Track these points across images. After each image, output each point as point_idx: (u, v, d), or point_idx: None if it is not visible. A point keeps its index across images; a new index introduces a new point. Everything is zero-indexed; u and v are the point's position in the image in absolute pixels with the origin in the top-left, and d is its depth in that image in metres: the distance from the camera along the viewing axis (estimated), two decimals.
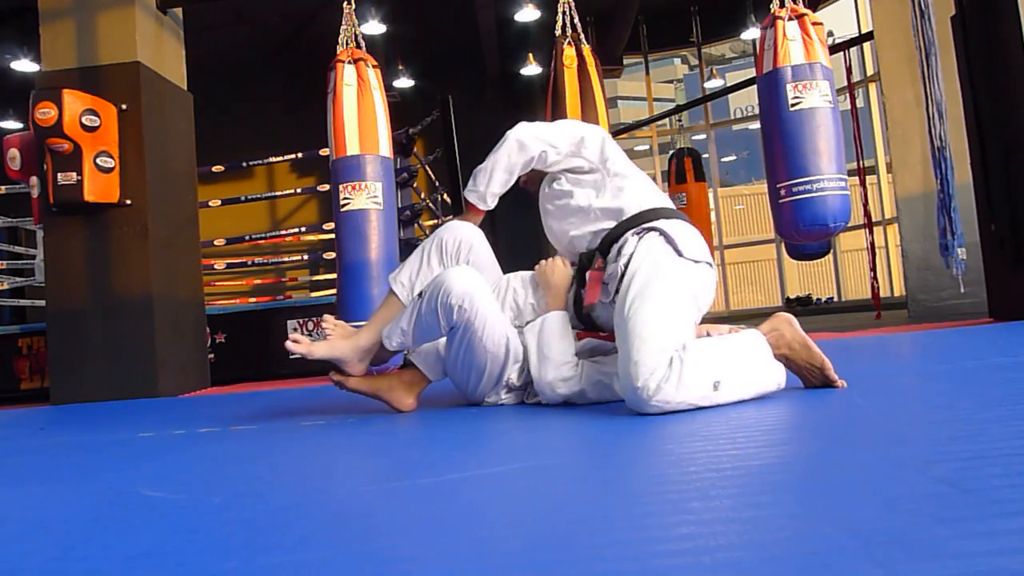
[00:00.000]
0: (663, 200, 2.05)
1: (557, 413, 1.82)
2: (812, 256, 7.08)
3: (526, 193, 2.35)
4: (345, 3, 4.31)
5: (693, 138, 11.78)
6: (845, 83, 6.46)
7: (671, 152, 8.86)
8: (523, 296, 2.11)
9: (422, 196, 7.16)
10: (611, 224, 1.95)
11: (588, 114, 4.17)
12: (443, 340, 2.06)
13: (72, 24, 4.23)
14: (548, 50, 4.58)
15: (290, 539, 0.90)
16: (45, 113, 3.81)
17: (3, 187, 6.49)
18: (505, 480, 1.15)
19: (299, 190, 8.16)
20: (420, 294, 2.00)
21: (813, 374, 1.83)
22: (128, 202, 4.05)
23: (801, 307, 10.32)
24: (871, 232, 6.28)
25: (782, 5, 3.91)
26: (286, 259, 8.16)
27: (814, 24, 3.87)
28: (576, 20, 4.28)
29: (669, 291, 1.72)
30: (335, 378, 2.11)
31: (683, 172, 8.26)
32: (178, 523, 1.03)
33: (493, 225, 8.86)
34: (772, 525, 0.79)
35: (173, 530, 0.99)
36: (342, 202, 4.14)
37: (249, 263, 7.86)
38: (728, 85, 10.49)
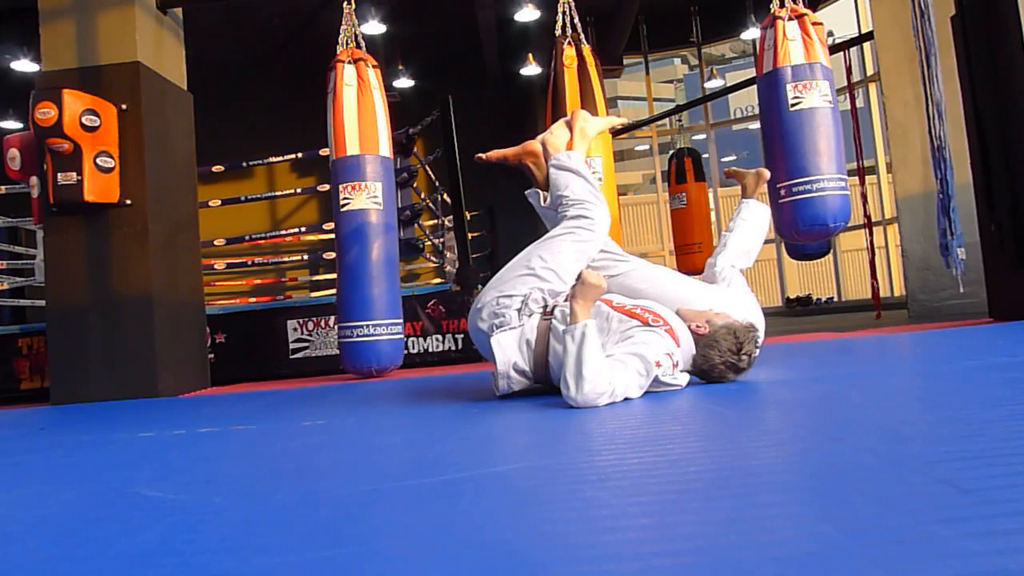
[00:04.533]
0: None
1: (555, 413, 1.82)
2: (812, 256, 7.08)
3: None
4: (345, 3, 4.31)
5: (693, 138, 11.77)
6: (845, 83, 6.46)
7: (671, 152, 8.85)
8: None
9: (422, 196, 7.16)
10: None
11: None
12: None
13: (72, 24, 4.23)
14: (548, 50, 4.58)
15: (290, 539, 0.90)
16: (45, 113, 3.81)
17: (3, 187, 6.49)
18: (505, 480, 1.15)
19: (299, 190, 8.15)
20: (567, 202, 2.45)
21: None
22: (128, 202, 4.05)
23: (801, 307, 10.32)
24: (871, 232, 6.28)
25: (782, 5, 3.91)
26: (286, 259, 8.16)
27: (814, 24, 3.87)
28: (576, 20, 4.28)
29: None
30: (478, 156, 2.65)
31: (683, 172, 8.26)
32: (178, 523, 1.03)
33: (493, 225, 8.87)
34: (772, 525, 0.79)
35: (173, 530, 0.99)
36: (342, 202, 4.14)
37: (249, 263, 7.85)
38: (728, 85, 10.49)
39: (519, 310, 2.22)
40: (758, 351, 2.14)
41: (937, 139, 3.93)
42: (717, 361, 2.05)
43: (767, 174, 2.78)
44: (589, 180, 2.46)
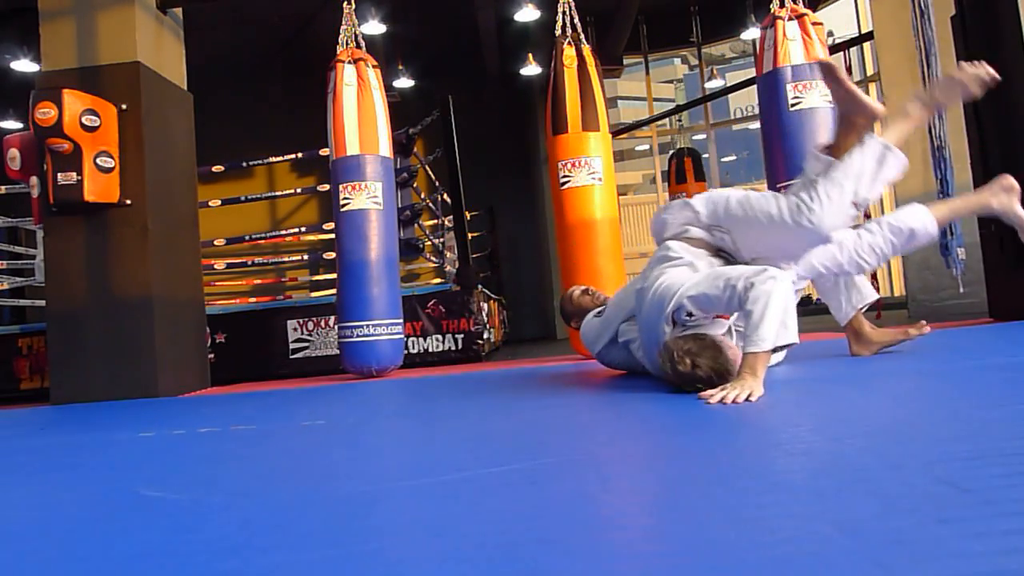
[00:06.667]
0: None
1: (556, 413, 1.82)
2: None
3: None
4: (345, 3, 4.31)
5: (693, 138, 11.77)
6: None
7: (671, 152, 8.87)
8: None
9: (422, 196, 7.15)
10: None
11: (588, 114, 4.18)
12: None
13: (72, 24, 4.23)
14: (548, 50, 4.58)
15: (290, 539, 0.90)
16: (45, 113, 3.81)
17: (3, 187, 6.49)
18: (505, 480, 1.15)
19: (299, 190, 8.15)
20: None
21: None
22: (128, 202, 4.05)
23: (801, 307, 10.31)
24: None
25: (782, 5, 3.92)
26: (286, 259, 8.16)
27: (814, 24, 3.87)
28: (576, 20, 4.28)
29: None
30: (825, 62, 2.28)
31: (683, 172, 8.27)
32: (178, 523, 1.03)
33: (493, 225, 8.86)
34: (772, 525, 0.79)
35: (173, 530, 0.99)
36: (342, 202, 4.14)
37: (249, 263, 7.85)
38: (728, 85, 10.49)
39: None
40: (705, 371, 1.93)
41: (937, 139, 3.93)
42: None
43: (881, 110, 2.21)
44: (868, 185, 2.10)
